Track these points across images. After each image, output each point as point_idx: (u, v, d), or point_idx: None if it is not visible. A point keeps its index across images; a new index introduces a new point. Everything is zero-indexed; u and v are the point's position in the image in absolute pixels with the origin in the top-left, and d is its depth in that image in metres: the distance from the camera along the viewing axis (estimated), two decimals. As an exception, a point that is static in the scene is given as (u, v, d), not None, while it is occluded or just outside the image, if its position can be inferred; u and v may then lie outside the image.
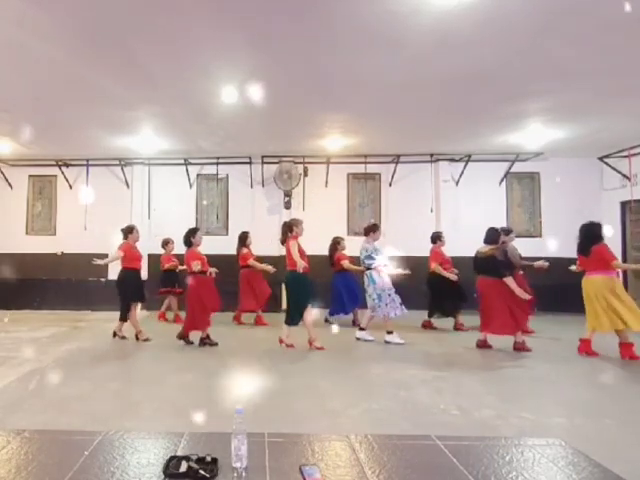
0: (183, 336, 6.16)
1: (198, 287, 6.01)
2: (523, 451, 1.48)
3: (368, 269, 6.37)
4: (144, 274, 9.13)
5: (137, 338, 6.42)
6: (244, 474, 1.28)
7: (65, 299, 9.45)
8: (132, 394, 4.19)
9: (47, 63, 4.99)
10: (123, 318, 6.43)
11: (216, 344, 6.06)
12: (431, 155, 9.30)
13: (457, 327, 7.28)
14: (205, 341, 6.08)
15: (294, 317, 5.83)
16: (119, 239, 6.57)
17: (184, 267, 6.57)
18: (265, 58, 4.88)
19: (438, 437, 1.57)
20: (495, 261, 5.82)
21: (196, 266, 5.93)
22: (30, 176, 10.08)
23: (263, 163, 9.52)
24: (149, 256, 9.04)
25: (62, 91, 5.85)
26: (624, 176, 8.61)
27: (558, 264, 7.84)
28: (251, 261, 7.50)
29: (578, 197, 9.07)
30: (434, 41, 4.45)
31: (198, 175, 9.87)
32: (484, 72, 5.19)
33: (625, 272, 8.31)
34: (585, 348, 5.49)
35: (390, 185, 9.64)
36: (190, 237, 6.19)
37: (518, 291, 5.60)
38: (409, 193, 9.60)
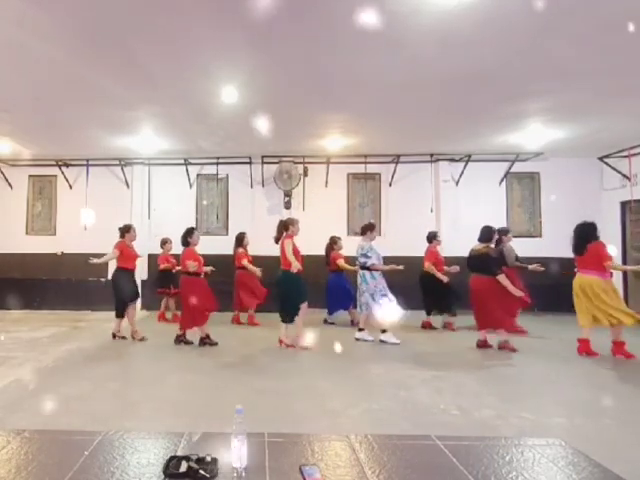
0: (180, 338, 6.17)
1: (191, 288, 6.01)
2: (523, 451, 1.48)
3: (362, 268, 6.39)
4: (144, 274, 9.20)
5: (133, 337, 6.44)
6: (244, 474, 1.28)
7: (65, 299, 9.46)
8: (132, 394, 4.20)
9: (47, 63, 4.99)
10: (120, 315, 6.46)
11: (216, 344, 6.06)
12: (431, 155, 9.30)
13: (445, 325, 7.33)
14: (205, 341, 6.09)
15: (290, 314, 5.86)
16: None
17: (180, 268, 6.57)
18: (265, 58, 4.88)
19: (438, 437, 1.57)
20: (489, 259, 5.84)
21: (192, 266, 5.93)
22: (30, 176, 10.08)
23: (263, 163, 9.52)
24: (149, 256, 9.07)
25: (62, 91, 5.85)
26: (624, 176, 8.61)
27: (558, 264, 7.89)
28: (244, 262, 7.51)
29: (578, 197, 9.06)
30: (434, 41, 4.44)
31: (198, 175, 9.87)
32: (484, 72, 5.18)
33: (625, 273, 8.31)
34: (585, 348, 5.49)
35: (390, 185, 9.64)
36: (187, 237, 6.19)
37: (511, 288, 5.63)
38: (409, 193, 9.59)
